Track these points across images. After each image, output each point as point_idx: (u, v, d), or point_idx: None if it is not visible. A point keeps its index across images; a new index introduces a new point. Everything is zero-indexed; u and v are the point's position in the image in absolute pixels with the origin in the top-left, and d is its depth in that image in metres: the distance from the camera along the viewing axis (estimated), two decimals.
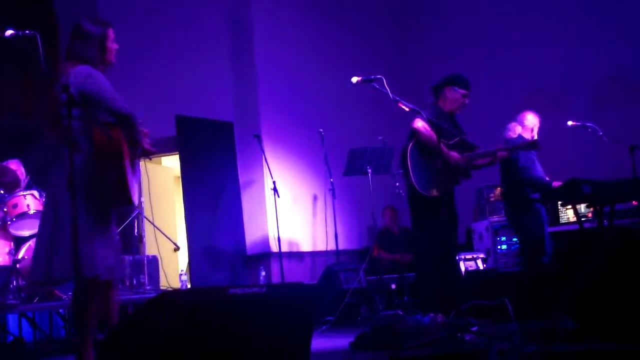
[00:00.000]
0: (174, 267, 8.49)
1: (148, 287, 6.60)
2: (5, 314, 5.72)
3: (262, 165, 7.92)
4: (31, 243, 5.65)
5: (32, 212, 5.80)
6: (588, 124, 6.36)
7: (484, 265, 7.51)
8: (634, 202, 6.40)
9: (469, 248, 8.09)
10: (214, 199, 7.80)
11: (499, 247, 7.72)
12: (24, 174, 6.24)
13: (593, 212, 6.43)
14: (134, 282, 6.60)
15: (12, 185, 6.06)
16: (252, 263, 8.03)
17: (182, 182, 7.66)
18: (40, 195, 5.87)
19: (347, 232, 8.63)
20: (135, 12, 8.40)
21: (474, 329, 4.40)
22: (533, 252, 6.04)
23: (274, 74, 8.55)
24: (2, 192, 5.97)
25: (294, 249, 8.31)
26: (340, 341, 4.63)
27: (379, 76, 4.34)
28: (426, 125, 5.02)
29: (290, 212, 8.28)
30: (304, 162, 8.58)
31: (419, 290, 5.64)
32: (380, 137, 7.55)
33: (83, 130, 3.61)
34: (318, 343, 4.31)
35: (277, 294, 3.09)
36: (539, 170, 6.15)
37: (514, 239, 7.47)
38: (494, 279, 5.58)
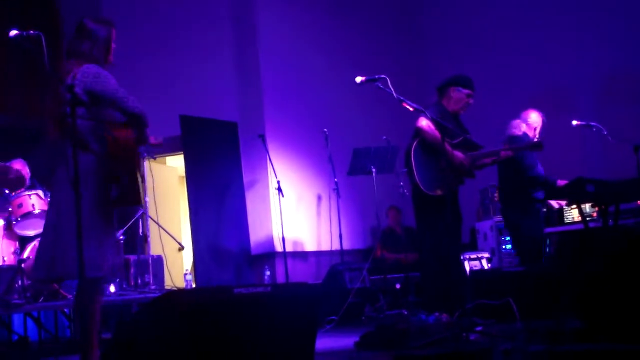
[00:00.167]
0: (179, 266, 8.50)
1: (153, 287, 6.60)
2: (10, 314, 5.73)
3: (266, 165, 7.93)
4: (36, 243, 5.65)
5: (37, 211, 5.81)
6: (593, 124, 6.33)
7: (489, 265, 7.50)
8: (639, 202, 6.38)
9: (473, 248, 8.08)
10: (218, 199, 7.81)
11: (503, 246, 7.70)
12: (29, 173, 6.25)
13: (598, 212, 6.41)
14: (139, 281, 6.61)
15: (17, 185, 6.07)
16: (257, 263, 8.04)
17: (186, 182, 7.67)
18: (45, 195, 5.87)
19: (351, 232, 8.63)
20: (139, 11, 8.42)
21: (479, 328, 4.40)
22: (534, 253, 6.01)
23: (278, 74, 8.55)
24: (7, 191, 5.98)
25: (299, 249, 8.32)
26: (345, 341, 4.64)
27: (383, 76, 4.34)
28: (430, 124, 5.00)
29: (294, 211, 8.29)
30: (308, 161, 8.58)
31: (423, 290, 5.63)
32: (384, 137, 7.54)
33: (92, 130, 3.60)
34: (322, 342, 4.31)
35: (281, 294, 3.10)
36: (542, 169, 6.14)
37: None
38: (498, 279, 5.56)
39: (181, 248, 7.86)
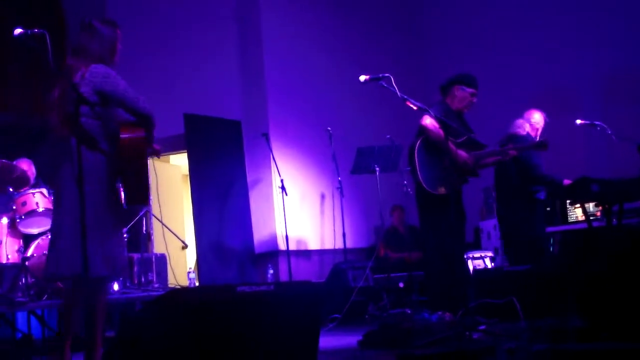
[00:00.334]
0: (182, 265, 8.52)
1: (156, 285, 6.61)
2: (14, 312, 5.74)
3: (270, 164, 7.93)
4: (40, 241, 5.67)
5: (41, 210, 5.81)
6: (597, 123, 6.32)
7: (492, 264, 7.49)
8: None
9: (477, 247, 8.07)
10: (222, 197, 7.82)
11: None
12: (35, 173, 6.26)
13: (601, 211, 6.39)
14: (142, 279, 6.62)
15: (21, 183, 6.08)
16: (260, 261, 8.04)
17: (190, 181, 7.68)
18: (49, 193, 5.88)
19: (354, 230, 8.63)
20: (143, 11, 8.43)
21: (482, 327, 4.39)
22: (534, 252, 5.99)
23: (282, 73, 8.56)
24: (11, 190, 5.99)
25: (302, 247, 8.33)
26: (348, 339, 4.64)
27: (386, 75, 4.34)
28: (434, 123, 5.00)
29: (298, 210, 8.29)
30: (312, 160, 8.58)
31: (427, 289, 5.63)
32: (388, 136, 7.54)
33: (101, 129, 3.61)
34: (326, 341, 4.31)
35: (285, 292, 3.09)
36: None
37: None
38: (502, 278, 5.55)
39: (185, 246, 7.86)
